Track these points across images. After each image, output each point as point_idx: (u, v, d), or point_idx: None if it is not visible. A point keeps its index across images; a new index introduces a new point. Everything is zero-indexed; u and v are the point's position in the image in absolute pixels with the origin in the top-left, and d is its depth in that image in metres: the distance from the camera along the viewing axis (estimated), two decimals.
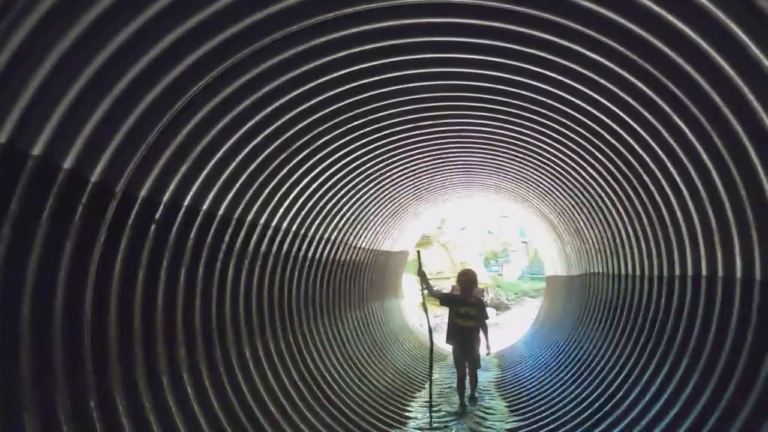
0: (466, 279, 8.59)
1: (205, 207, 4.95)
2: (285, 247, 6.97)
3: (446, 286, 17.65)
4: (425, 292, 8.28)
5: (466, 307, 8.34)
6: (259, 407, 5.62)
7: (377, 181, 8.51)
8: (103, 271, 3.85)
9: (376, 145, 7.01)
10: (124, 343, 4.09)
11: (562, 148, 6.94)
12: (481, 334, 8.43)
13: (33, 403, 3.27)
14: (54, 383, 3.44)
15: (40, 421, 3.29)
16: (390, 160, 7.91)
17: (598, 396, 6.82)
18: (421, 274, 8.23)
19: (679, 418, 4.90)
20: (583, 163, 6.99)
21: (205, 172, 4.74)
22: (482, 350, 8.51)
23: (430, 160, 8.75)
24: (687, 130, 4.52)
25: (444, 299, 8.71)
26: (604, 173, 6.73)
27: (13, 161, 3.08)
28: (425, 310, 8.30)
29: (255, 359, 6.04)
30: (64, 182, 3.37)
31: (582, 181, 7.61)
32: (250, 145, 5.13)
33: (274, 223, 6.41)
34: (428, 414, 7.70)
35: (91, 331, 3.75)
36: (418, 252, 9.02)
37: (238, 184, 5.29)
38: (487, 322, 8.57)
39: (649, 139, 5.18)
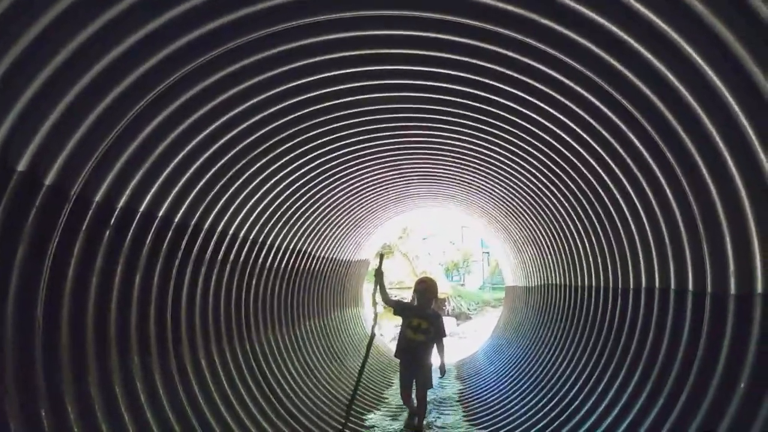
0: (425, 288, 7.60)
1: (161, 213, 4.91)
2: (243, 254, 6.93)
3: (406, 296, 17.62)
4: (378, 298, 7.51)
5: (419, 319, 7.34)
6: (214, 416, 5.56)
7: (337, 190, 8.51)
8: (55, 277, 3.81)
9: (335, 154, 7.02)
10: (76, 349, 4.04)
11: (520, 161, 7.03)
12: (436, 352, 7.50)
13: None
14: (4, 389, 3.38)
15: None
16: (349, 170, 7.91)
17: (555, 405, 6.88)
18: (378, 274, 7.45)
19: (633, 427, 4.97)
20: (541, 176, 7.08)
21: (162, 177, 4.71)
22: (436, 368, 7.61)
23: (389, 171, 8.76)
24: (641, 146, 4.61)
25: (398, 307, 7.72)
26: (561, 186, 6.83)
27: None
28: (374, 303, 7.53)
29: (210, 367, 5.98)
30: (17, 185, 3.33)
31: (539, 193, 7.70)
32: (208, 152, 5.10)
33: (231, 231, 6.38)
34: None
35: (42, 337, 3.70)
36: (382, 255, 8.48)
37: (195, 191, 5.26)
38: (444, 340, 7.58)
39: (605, 155, 5.27)
